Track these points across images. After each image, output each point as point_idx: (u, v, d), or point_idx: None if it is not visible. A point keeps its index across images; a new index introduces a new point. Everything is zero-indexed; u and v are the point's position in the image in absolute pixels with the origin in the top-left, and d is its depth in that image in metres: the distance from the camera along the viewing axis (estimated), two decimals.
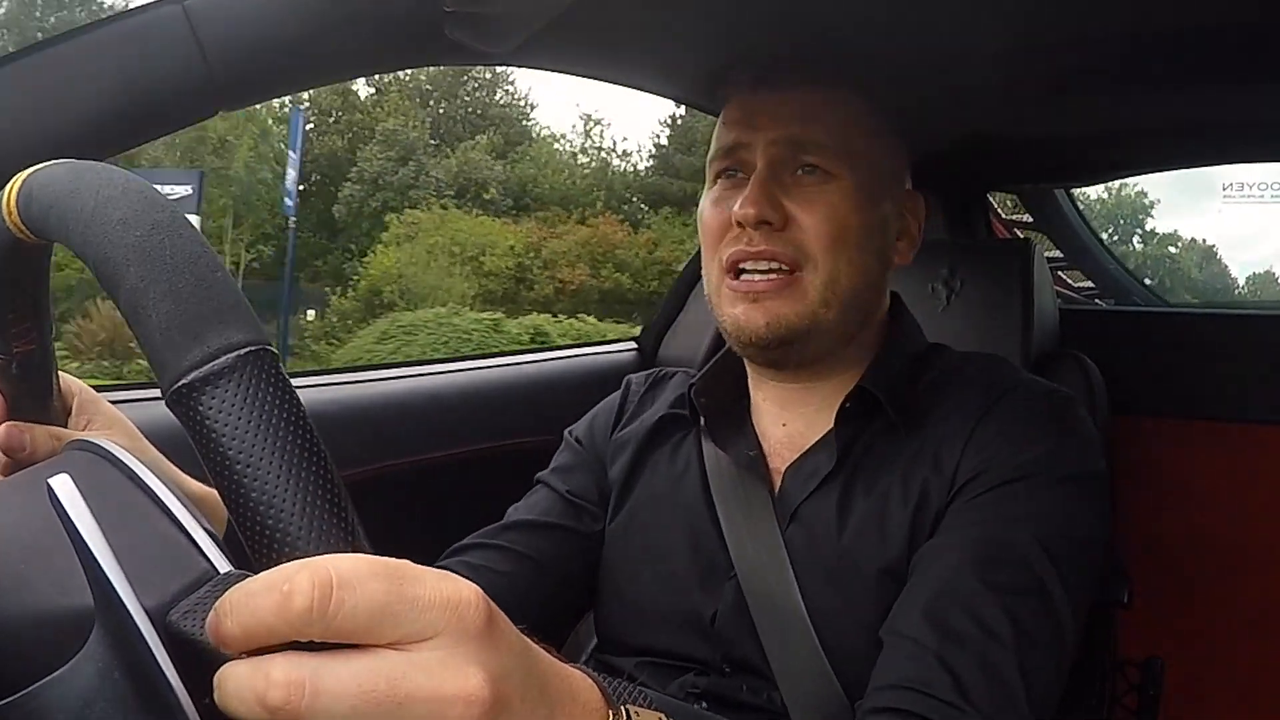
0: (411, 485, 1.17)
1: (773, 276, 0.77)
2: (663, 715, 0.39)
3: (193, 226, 0.35)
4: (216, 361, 0.31)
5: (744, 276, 0.79)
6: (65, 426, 0.54)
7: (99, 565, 0.32)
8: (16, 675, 0.34)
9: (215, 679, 0.30)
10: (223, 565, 0.38)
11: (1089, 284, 2.13)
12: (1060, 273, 2.07)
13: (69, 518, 0.32)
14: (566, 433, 0.99)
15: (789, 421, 0.85)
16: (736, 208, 0.77)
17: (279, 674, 0.29)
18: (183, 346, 0.32)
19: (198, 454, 0.31)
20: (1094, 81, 1.07)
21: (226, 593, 0.30)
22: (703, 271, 0.85)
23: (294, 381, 0.33)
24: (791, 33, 0.91)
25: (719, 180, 0.83)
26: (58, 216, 0.37)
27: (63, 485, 0.32)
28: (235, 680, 0.30)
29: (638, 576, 0.87)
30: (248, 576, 0.37)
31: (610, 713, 0.37)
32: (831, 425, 0.81)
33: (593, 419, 0.99)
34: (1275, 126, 1.22)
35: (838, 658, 0.74)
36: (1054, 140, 1.36)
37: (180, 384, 0.31)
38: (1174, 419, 1.38)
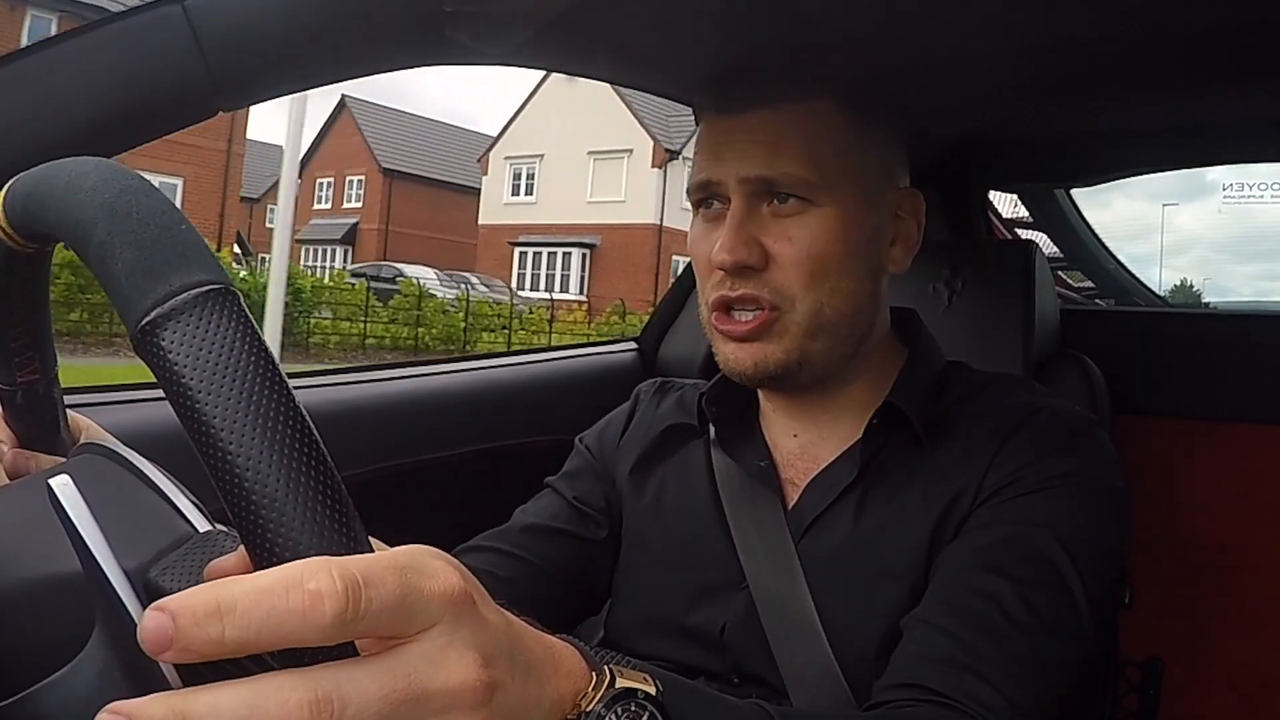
0: (412, 485, 1.17)
1: (755, 321, 0.77)
2: (648, 676, 0.40)
3: (161, 192, 0.36)
4: (178, 298, 0.32)
5: (731, 316, 0.78)
6: None
7: (99, 566, 0.32)
8: (16, 675, 0.34)
9: (174, 713, 0.27)
10: (203, 525, 0.38)
11: (1089, 284, 2.13)
12: (1060, 272, 2.07)
13: (69, 518, 0.32)
14: (578, 439, 0.99)
15: (800, 432, 0.85)
16: (714, 251, 0.76)
17: (302, 693, 0.28)
18: (146, 288, 0.32)
19: (164, 393, 0.31)
20: (1094, 81, 1.07)
21: (215, 586, 0.28)
22: (699, 301, 0.84)
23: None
24: (791, 31, 0.90)
25: (699, 210, 0.83)
26: (37, 202, 0.37)
27: (63, 486, 0.32)
28: (230, 712, 0.27)
29: (646, 586, 0.87)
30: (226, 535, 0.37)
31: (593, 674, 0.37)
32: (848, 438, 0.81)
33: (603, 427, 0.99)
34: (1275, 126, 1.22)
35: (851, 668, 0.73)
36: (1054, 140, 1.36)
37: (144, 322, 0.32)
38: (1174, 419, 1.38)
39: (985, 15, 0.89)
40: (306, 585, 0.28)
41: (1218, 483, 1.36)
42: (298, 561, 0.29)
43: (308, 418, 0.32)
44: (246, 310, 0.33)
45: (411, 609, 0.30)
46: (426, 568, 0.31)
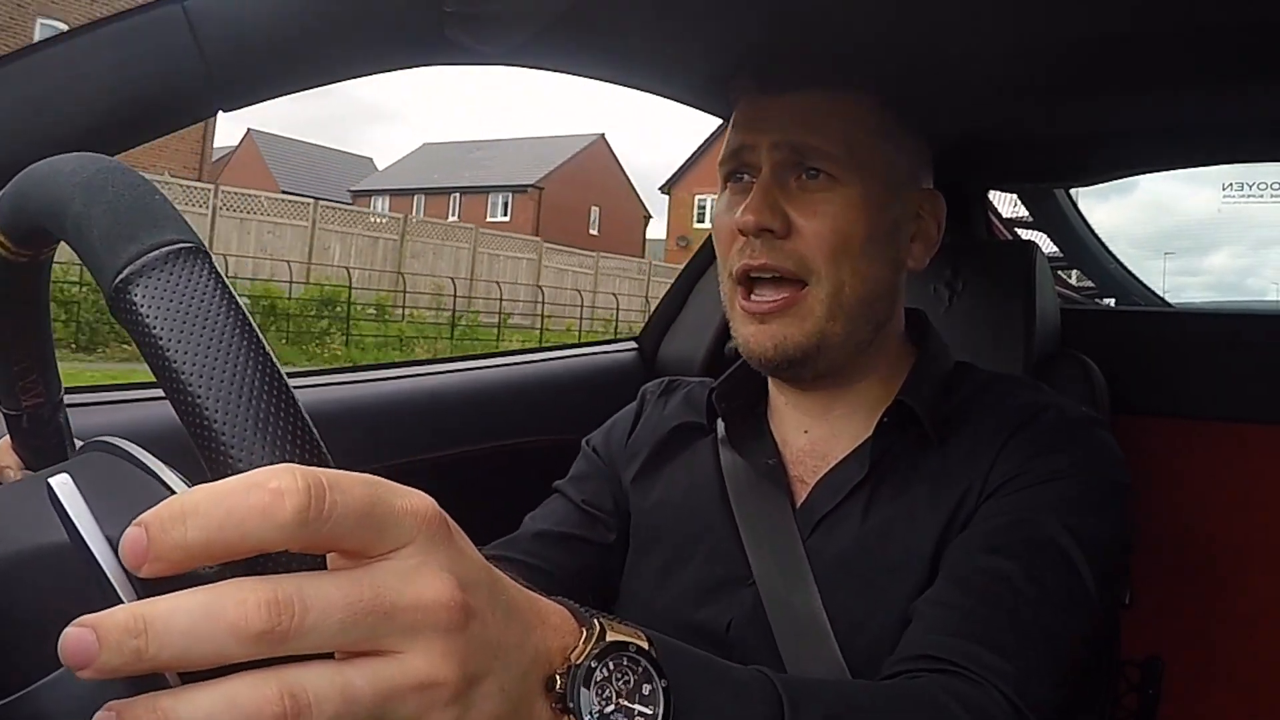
0: (410, 485, 1.16)
1: (778, 299, 0.78)
2: (640, 631, 0.39)
3: (138, 173, 0.36)
4: (148, 256, 0.32)
5: (753, 296, 0.79)
6: None
7: (99, 564, 0.32)
8: (16, 674, 0.34)
9: (134, 619, 0.26)
10: (180, 487, 0.38)
11: (1089, 283, 2.13)
12: (1060, 272, 2.07)
13: (68, 517, 0.32)
14: (584, 442, 0.99)
15: (811, 428, 0.85)
16: (738, 215, 0.77)
17: (262, 594, 0.27)
18: (119, 249, 0.33)
19: (139, 349, 0.32)
20: (1094, 81, 1.07)
21: (180, 494, 0.28)
22: (719, 279, 0.85)
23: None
24: (791, 32, 0.90)
25: (728, 185, 0.84)
26: (21, 196, 0.38)
27: (62, 485, 0.32)
28: (188, 614, 0.26)
29: (652, 584, 0.86)
30: None
31: (583, 629, 0.37)
32: (858, 436, 0.82)
33: (610, 428, 0.98)
34: (1275, 126, 1.22)
35: (858, 666, 0.73)
36: (1054, 140, 1.36)
37: (117, 281, 0.32)
38: (1173, 419, 1.38)
39: (986, 15, 0.89)
40: (269, 484, 0.27)
41: (1217, 482, 1.36)
42: (263, 467, 0.28)
43: (279, 365, 0.32)
44: (216, 268, 0.33)
45: (380, 521, 0.29)
46: (397, 488, 0.30)
